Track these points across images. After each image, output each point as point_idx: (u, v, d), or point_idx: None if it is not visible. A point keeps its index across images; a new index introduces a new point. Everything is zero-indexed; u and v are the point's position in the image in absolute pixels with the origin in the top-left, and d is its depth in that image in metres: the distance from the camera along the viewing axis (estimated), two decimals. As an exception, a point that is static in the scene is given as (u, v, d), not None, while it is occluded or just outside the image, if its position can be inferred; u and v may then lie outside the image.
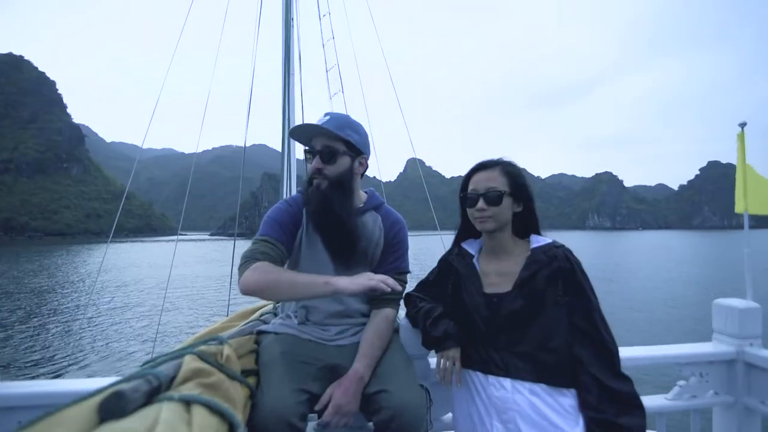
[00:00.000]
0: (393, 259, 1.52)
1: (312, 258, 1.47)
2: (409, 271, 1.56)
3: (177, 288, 20.64)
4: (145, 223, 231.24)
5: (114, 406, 0.65)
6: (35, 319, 15.07)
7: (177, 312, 15.76)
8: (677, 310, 15.48)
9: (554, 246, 1.30)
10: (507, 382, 1.23)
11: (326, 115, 1.48)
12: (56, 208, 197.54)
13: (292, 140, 5.64)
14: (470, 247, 1.44)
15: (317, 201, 1.42)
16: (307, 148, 1.48)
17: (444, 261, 1.49)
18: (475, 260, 1.39)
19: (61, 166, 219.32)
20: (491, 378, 1.26)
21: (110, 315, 15.70)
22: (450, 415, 1.46)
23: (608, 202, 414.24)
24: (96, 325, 14.06)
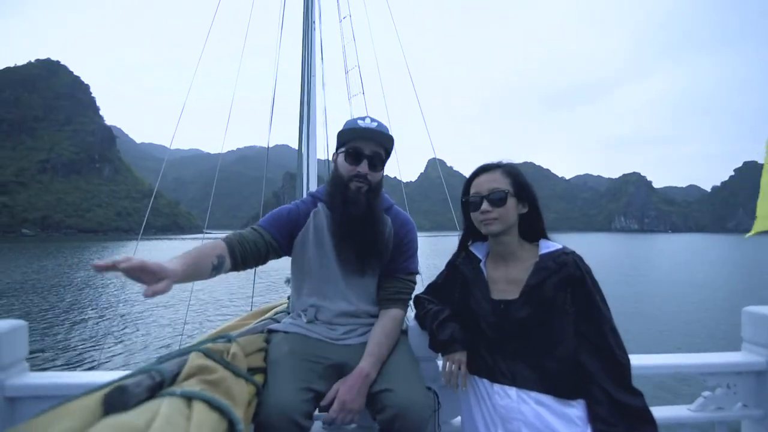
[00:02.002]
0: (402, 260, 1.51)
1: (320, 259, 1.48)
2: (418, 272, 1.55)
3: (204, 284, 21.18)
4: (172, 221, 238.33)
5: (117, 400, 0.67)
6: (69, 312, 15.75)
7: (204, 306, 16.22)
8: (705, 318, 14.81)
9: (564, 252, 1.25)
10: (513, 391, 1.20)
11: (372, 120, 1.47)
12: (89, 206, 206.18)
13: (311, 141, 5.71)
14: (478, 250, 1.41)
15: (358, 203, 1.41)
16: (348, 149, 1.44)
17: (451, 264, 1.47)
18: (482, 264, 1.37)
19: (94, 167, 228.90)
20: (496, 386, 1.23)
21: (140, 309, 16.26)
22: (459, 419, 1.45)
23: (636, 204, 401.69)
24: (126, 319, 14.59)
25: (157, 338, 12.09)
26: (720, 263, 39.06)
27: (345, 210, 1.42)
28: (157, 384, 0.79)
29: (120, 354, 10.72)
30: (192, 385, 0.84)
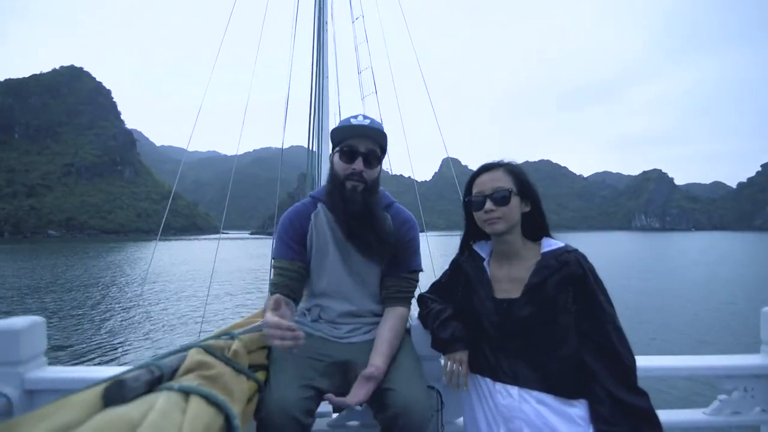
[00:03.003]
0: (404, 258, 1.51)
1: (322, 259, 1.49)
2: (421, 270, 1.54)
3: (221, 282, 21.65)
4: (191, 222, 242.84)
5: (115, 393, 0.69)
6: (95, 309, 16.25)
7: (221, 303, 16.54)
8: (724, 318, 14.29)
9: (566, 250, 1.24)
10: (514, 390, 1.19)
11: (365, 118, 1.47)
12: (111, 208, 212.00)
13: (324, 142, 5.76)
14: (481, 249, 1.40)
15: (354, 202, 1.42)
16: (342, 147, 1.44)
17: (455, 263, 1.46)
18: (485, 263, 1.36)
19: (116, 169, 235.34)
20: (498, 385, 1.23)
21: (160, 306, 16.68)
22: (462, 418, 1.44)
23: (657, 201, 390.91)
24: (146, 315, 14.98)
25: (177, 335, 12.40)
26: (743, 262, 37.68)
27: (345, 209, 1.42)
28: (156, 378, 0.80)
29: (141, 349, 11.02)
30: (190, 380, 0.85)
